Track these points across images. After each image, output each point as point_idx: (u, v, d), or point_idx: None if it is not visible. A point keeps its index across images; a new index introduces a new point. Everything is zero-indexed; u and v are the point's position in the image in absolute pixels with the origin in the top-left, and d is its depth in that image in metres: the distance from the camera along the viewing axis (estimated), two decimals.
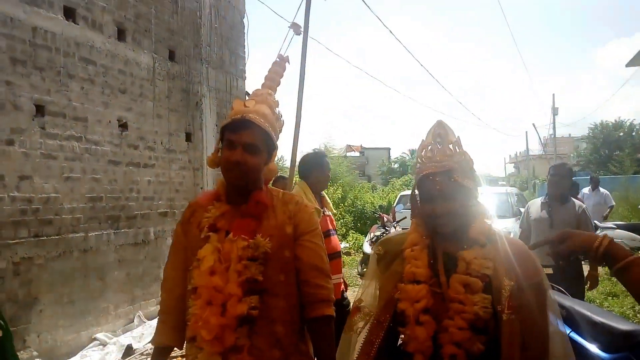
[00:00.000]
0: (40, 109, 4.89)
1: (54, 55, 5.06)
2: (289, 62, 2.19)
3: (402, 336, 1.73)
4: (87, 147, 5.43)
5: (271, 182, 7.24)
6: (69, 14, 5.29)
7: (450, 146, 1.74)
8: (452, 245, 1.75)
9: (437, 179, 1.71)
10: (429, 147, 1.77)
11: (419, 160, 1.79)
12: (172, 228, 6.89)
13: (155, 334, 2.04)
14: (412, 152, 50.89)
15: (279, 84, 2.12)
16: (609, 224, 10.08)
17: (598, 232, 7.54)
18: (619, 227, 10.30)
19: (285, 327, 1.86)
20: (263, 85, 2.08)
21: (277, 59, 2.16)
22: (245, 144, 1.87)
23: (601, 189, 10.26)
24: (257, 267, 1.81)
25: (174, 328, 1.97)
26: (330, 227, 3.82)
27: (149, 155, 6.47)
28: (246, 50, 9.21)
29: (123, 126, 6.00)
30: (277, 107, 2.03)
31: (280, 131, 2.05)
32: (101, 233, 5.57)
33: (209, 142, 7.87)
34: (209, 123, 7.92)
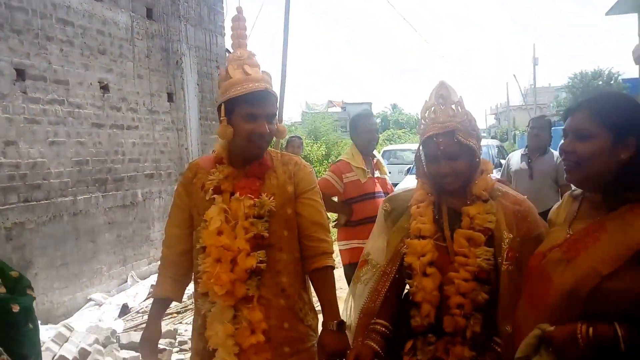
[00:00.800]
0: (20, 73, 4.81)
1: (31, 17, 4.93)
2: (241, 12, 2.10)
3: (409, 287, 1.82)
4: (70, 110, 5.38)
5: (286, 142, 7.18)
6: None
7: (453, 106, 1.78)
8: (456, 201, 1.82)
9: (440, 140, 1.76)
10: (432, 108, 1.81)
11: (423, 121, 1.84)
12: (159, 189, 6.95)
13: (156, 286, 2.15)
14: (394, 106, 50.81)
15: (246, 37, 2.10)
16: None
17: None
18: None
19: (289, 278, 1.98)
20: (235, 45, 2.05)
21: (237, 12, 2.11)
22: (267, 114, 1.94)
23: None
24: (263, 224, 1.92)
25: (174, 282, 2.08)
26: (376, 189, 3.74)
27: (132, 117, 6.43)
28: (225, 5, 9.05)
29: (104, 88, 5.93)
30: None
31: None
32: (89, 196, 5.59)
33: (191, 101, 7.83)
34: (190, 82, 7.85)
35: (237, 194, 1.95)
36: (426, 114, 1.83)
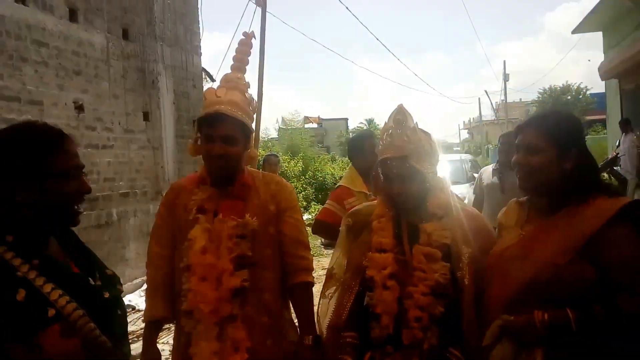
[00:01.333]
0: None
1: (5, 39, 4.94)
2: (255, 37, 2.24)
3: (370, 299, 1.92)
4: None
5: (263, 161, 7.08)
6: None
7: (408, 132, 1.90)
8: (415, 216, 1.95)
9: (394, 163, 1.90)
10: (390, 131, 1.94)
11: (381, 142, 1.97)
12: (134, 208, 6.92)
13: (146, 310, 2.16)
14: (369, 121, 51.28)
15: (247, 62, 2.19)
16: None
17: None
18: None
19: (273, 296, 2.05)
20: (232, 67, 2.14)
21: (243, 37, 2.20)
22: (222, 136, 1.98)
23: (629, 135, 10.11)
24: (246, 244, 1.98)
25: (166, 302, 2.10)
26: None
27: (107, 136, 6.42)
28: (201, 25, 9.13)
29: (79, 108, 5.93)
30: (248, 89, 2.12)
31: (254, 112, 2.14)
32: None
33: (167, 120, 7.85)
34: (167, 101, 7.88)
35: (220, 215, 2.00)
36: (384, 136, 1.95)
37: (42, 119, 5.30)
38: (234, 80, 2.08)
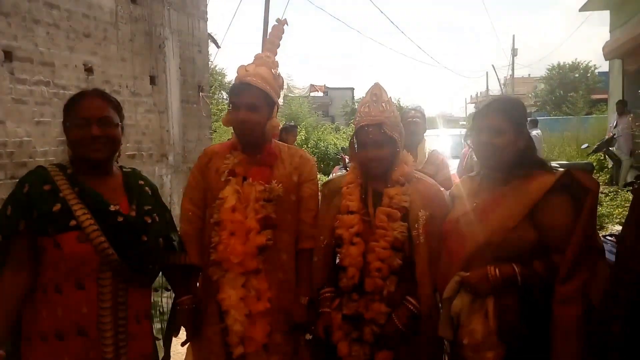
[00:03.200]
0: (8, 55, 5.01)
1: (19, 0, 5.12)
2: (287, 24, 2.46)
3: (339, 255, 2.21)
4: (55, 91, 5.59)
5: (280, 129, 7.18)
6: None
7: (383, 104, 2.16)
8: (380, 184, 2.22)
9: (370, 130, 2.14)
10: (367, 104, 2.19)
11: (358, 114, 2.21)
12: (140, 169, 7.13)
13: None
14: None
15: (278, 45, 2.42)
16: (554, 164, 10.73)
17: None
18: (561, 166, 11.00)
19: (288, 256, 2.30)
20: (264, 48, 2.40)
21: (276, 22, 2.46)
22: (246, 104, 2.20)
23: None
24: (271, 207, 2.22)
25: (196, 253, 2.27)
26: None
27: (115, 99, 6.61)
28: None
29: (89, 70, 6.13)
30: (276, 67, 2.34)
31: (281, 88, 2.37)
32: None
33: (173, 84, 8.03)
34: (172, 66, 8.05)
35: (250, 180, 2.24)
36: (361, 109, 2.20)
37: (53, 80, 5.54)
38: (263, 58, 2.32)
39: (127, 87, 6.86)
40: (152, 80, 7.48)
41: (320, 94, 45.66)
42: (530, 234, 1.87)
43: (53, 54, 5.57)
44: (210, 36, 9.71)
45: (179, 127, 8.20)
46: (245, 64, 2.28)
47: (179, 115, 8.23)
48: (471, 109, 62.75)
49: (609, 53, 12.18)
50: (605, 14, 13.64)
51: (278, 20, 2.46)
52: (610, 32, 13.32)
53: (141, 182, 2.06)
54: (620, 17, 12.59)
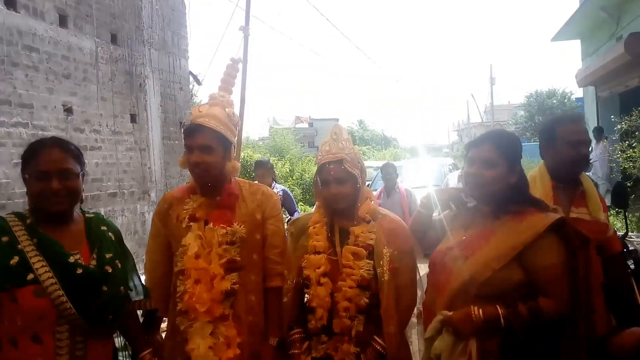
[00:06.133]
0: None
1: None
2: (242, 62, 2.47)
3: (307, 295, 2.21)
4: (33, 132, 5.60)
5: (255, 164, 6.86)
6: (10, 2, 5.40)
7: (343, 142, 2.22)
8: (346, 221, 2.25)
9: (331, 167, 2.19)
10: (327, 143, 2.25)
11: (320, 153, 2.26)
12: (122, 207, 7.17)
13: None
14: (360, 122, 51.59)
15: (233, 84, 2.42)
16: None
17: None
18: None
19: (257, 297, 2.28)
20: (219, 87, 2.38)
21: (230, 62, 2.44)
22: (199, 145, 2.18)
23: (600, 143, 10.48)
24: (235, 250, 2.21)
25: (159, 302, 2.27)
26: None
27: (95, 138, 6.67)
28: (188, 30, 9.38)
29: (68, 110, 6.18)
30: (231, 106, 2.33)
31: (236, 127, 2.36)
32: None
33: (154, 122, 8.10)
34: (153, 103, 8.13)
35: (211, 224, 2.21)
36: (323, 148, 2.26)
37: (31, 121, 5.56)
38: (217, 98, 2.31)
39: (107, 125, 6.90)
40: (133, 119, 7.53)
41: (306, 125, 46.05)
42: (517, 274, 1.85)
43: (32, 95, 5.61)
44: (191, 73, 9.83)
45: (160, 163, 8.23)
46: (199, 105, 2.27)
47: (161, 152, 8.26)
48: (454, 136, 63.68)
49: (582, 80, 12.52)
50: (577, 43, 14.07)
51: (232, 59, 2.45)
52: (582, 60, 13.72)
53: (104, 227, 2.00)
54: (590, 46, 13.01)
